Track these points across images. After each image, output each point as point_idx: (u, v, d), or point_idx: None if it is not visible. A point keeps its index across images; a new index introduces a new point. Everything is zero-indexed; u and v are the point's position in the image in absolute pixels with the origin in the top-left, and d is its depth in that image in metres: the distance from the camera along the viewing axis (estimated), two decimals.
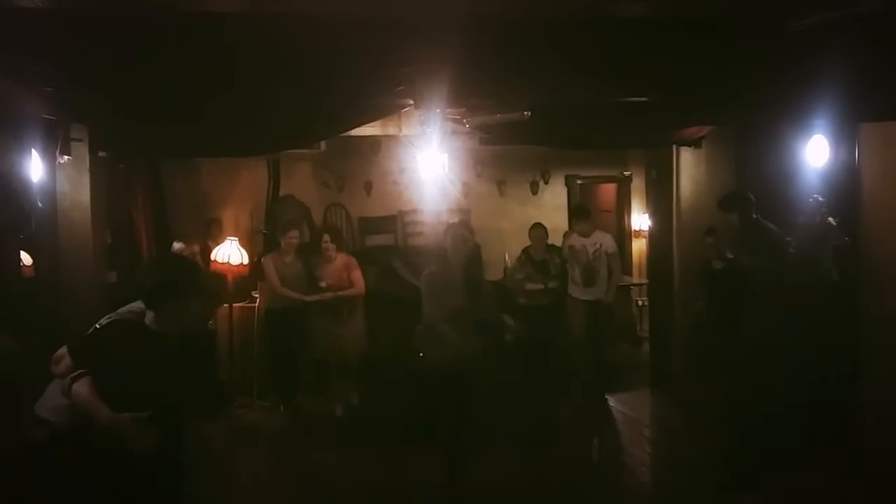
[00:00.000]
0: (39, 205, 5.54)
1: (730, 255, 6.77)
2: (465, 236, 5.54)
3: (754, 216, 6.52)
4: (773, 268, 6.32)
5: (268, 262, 7.67)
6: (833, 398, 6.00)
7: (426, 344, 5.50)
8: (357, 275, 7.61)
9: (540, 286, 7.94)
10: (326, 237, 7.72)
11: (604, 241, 7.98)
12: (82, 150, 6.13)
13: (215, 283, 7.64)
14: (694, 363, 7.33)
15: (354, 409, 7.69)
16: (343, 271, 7.59)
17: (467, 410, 5.55)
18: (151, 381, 3.20)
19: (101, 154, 6.45)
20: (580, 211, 8.41)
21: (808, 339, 6.17)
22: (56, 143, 5.71)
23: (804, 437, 6.06)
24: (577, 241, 8.02)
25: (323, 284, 7.50)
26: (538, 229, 8.22)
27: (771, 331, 6.29)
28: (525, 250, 8.23)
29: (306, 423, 7.53)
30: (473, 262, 5.59)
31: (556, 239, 8.62)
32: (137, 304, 3.49)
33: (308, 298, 7.47)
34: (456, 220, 5.91)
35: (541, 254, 8.15)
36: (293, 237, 7.74)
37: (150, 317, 3.33)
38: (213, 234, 8.76)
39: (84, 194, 6.22)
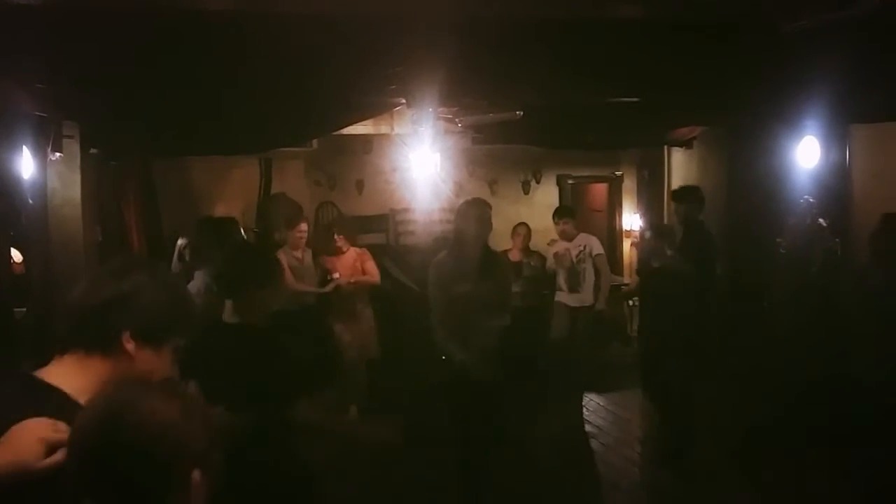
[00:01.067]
0: (30, 201, 5.52)
1: (669, 252, 6.69)
2: (487, 216, 5.19)
3: (700, 217, 6.57)
4: (702, 272, 6.32)
5: (280, 258, 7.27)
6: (821, 399, 6.02)
7: (444, 343, 5.19)
8: (371, 265, 7.47)
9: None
10: (334, 230, 7.60)
11: (588, 242, 7.73)
12: (74, 147, 6.09)
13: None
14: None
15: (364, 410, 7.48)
16: (356, 262, 7.45)
17: (493, 418, 5.29)
18: (233, 375, 3.20)
19: (92, 151, 6.42)
20: (563, 211, 8.12)
21: (796, 339, 6.21)
22: (47, 139, 5.67)
23: (789, 433, 6.10)
24: (560, 245, 7.79)
25: (337, 275, 7.32)
26: (522, 228, 8.13)
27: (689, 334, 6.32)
28: (503, 252, 8.09)
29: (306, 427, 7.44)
30: (489, 248, 5.28)
31: (546, 238, 8.62)
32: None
33: (324, 290, 7.29)
34: (471, 197, 5.58)
35: (518, 255, 8.04)
36: (303, 231, 7.47)
37: (228, 308, 3.39)
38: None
39: (75, 191, 6.18)
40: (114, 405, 1.48)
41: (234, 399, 3.03)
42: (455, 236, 5.31)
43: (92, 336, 1.82)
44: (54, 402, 1.71)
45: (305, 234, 7.52)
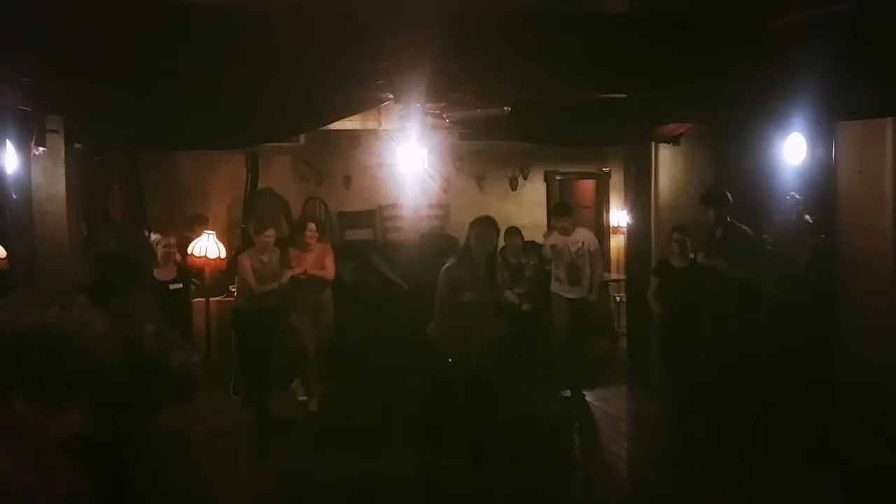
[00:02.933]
0: (14, 197, 5.49)
1: (692, 256, 6.76)
2: (492, 235, 5.58)
3: (729, 219, 6.59)
4: (741, 270, 6.35)
5: (244, 261, 7.38)
6: (808, 393, 6.05)
7: (446, 344, 5.53)
8: (329, 260, 7.53)
9: (515, 291, 7.78)
10: (312, 226, 7.56)
11: (586, 238, 7.90)
12: (58, 141, 6.05)
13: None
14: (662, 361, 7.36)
15: (329, 405, 7.57)
16: (319, 259, 7.50)
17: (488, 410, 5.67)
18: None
19: (76, 146, 6.38)
20: (561, 208, 8.30)
21: (785, 336, 6.23)
22: (31, 134, 5.64)
23: (780, 434, 6.12)
24: (558, 239, 7.92)
25: (297, 272, 7.38)
26: (513, 234, 8.15)
27: (732, 332, 6.38)
28: (500, 251, 8.11)
29: (278, 420, 7.44)
30: (494, 262, 5.69)
31: (534, 234, 8.62)
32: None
33: (281, 283, 7.30)
34: (482, 215, 5.86)
35: (516, 257, 8.09)
36: (269, 237, 7.47)
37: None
38: (196, 230, 8.57)
39: (59, 186, 6.14)
40: None
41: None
42: (464, 249, 5.61)
43: None
44: None
45: (272, 241, 7.52)
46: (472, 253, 5.51)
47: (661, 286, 7.11)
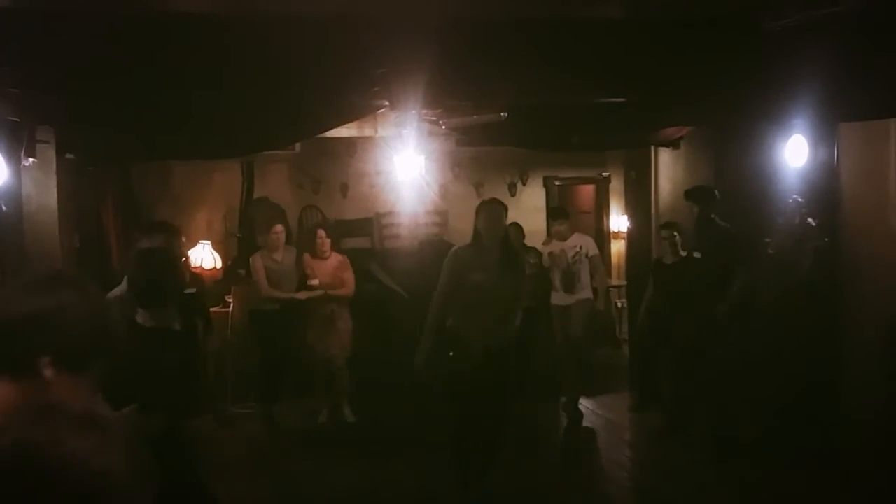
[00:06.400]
0: (4, 208, 5.42)
1: (682, 252, 6.72)
2: (501, 215, 5.38)
3: (712, 215, 6.54)
4: (721, 267, 6.33)
5: (256, 261, 7.33)
6: (812, 398, 5.99)
7: (457, 333, 5.34)
8: (349, 275, 7.42)
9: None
10: (321, 232, 7.47)
11: (583, 243, 7.70)
12: (49, 152, 6.00)
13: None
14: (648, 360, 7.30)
15: (341, 415, 7.47)
16: (337, 270, 7.38)
17: (499, 408, 5.41)
18: (146, 377, 3.22)
19: (68, 156, 6.32)
20: (557, 212, 8.18)
21: (786, 339, 6.17)
22: (21, 145, 5.57)
23: (780, 436, 6.06)
24: (555, 246, 7.77)
25: (315, 283, 7.25)
26: (513, 228, 8.09)
27: (719, 330, 6.37)
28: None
29: (288, 431, 7.37)
30: (508, 244, 5.49)
31: (534, 240, 8.53)
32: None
33: (299, 296, 7.21)
34: (488, 198, 5.76)
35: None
36: (278, 231, 7.43)
37: (141, 312, 3.49)
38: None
39: (51, 197, 6.08)
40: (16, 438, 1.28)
41: (147, 401, 3.00)
42: (473, 235, 5.43)
43: (2, 357, 1.65)
44: None
45: (281, 235, 7.47)
46: (482, 238, 5.32)
47: (656, 285, 7.05)
